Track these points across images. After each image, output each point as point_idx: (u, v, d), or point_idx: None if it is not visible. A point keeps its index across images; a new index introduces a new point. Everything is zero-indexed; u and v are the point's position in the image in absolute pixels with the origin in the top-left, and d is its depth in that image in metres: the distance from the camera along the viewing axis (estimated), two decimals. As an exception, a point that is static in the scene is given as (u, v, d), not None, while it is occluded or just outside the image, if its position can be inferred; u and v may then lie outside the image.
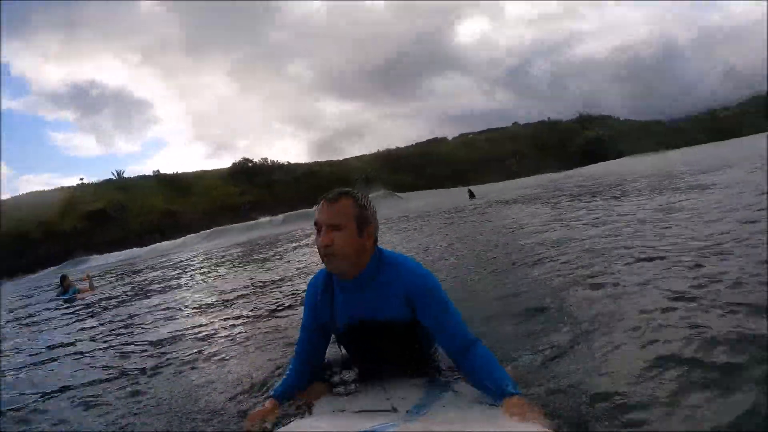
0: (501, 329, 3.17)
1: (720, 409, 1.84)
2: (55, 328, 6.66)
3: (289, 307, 5.14)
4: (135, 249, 44.75)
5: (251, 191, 75.29)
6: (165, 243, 45.14)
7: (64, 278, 11.05)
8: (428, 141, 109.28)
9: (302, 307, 2.71)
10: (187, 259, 18.87)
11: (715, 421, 1.78)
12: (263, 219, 51.85)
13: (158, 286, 10.12)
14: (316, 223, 2.14)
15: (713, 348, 2.34)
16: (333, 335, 2.43)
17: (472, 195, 21.16)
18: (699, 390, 1.98)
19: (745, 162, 14.16)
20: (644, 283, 3.53)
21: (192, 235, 47.76)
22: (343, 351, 2.51)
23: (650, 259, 4.08)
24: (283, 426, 1.92)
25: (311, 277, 2.51)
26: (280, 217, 51.10)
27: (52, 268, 42.73)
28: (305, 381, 2.40)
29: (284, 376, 2.45)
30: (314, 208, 2.21)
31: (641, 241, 4.85)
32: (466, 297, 4.08)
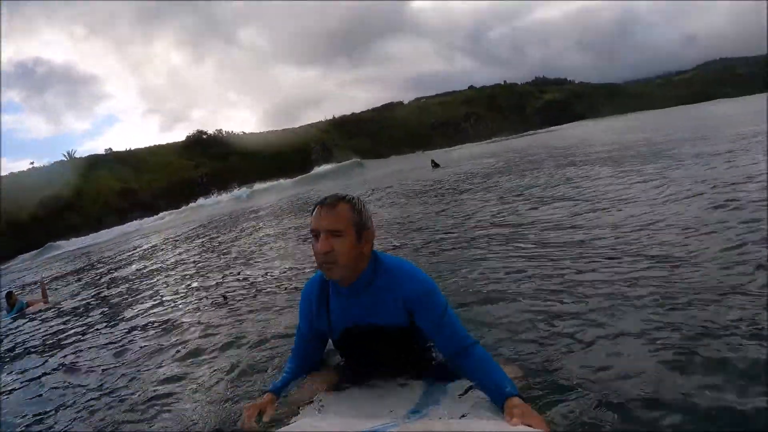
0: (495, 329, 3.07)
1: (721, 408, 1.86)
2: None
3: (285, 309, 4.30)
4: (102, 232, 41.02)
5: (207, 164, 74.48)
6: (132, 224, 42.65)
7: (9, 295, 9.75)
8: (384, 105, 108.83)
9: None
10: (148, 248, 16.56)
11: (717, 420, 1.81)
12: (225, 195, 46.04)
13: (119, 289, 8.74)
14: (312, 230, 2.09)
15: (712, 344, 2.39)
16: (332, 342, 2.41)
17: (435, 165, 21.67)
18: (699, 390, 2.00)
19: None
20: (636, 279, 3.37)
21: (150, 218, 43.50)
22: (340, 357, 2.54)
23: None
24: (284, 426, 1.90)
25: (305, 280, 2.49)
26: (245, 190, 46.29)
27: (23, 255, 41.12)
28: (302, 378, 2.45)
29: (283, 374, 2.43)
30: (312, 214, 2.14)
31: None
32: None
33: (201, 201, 46.38)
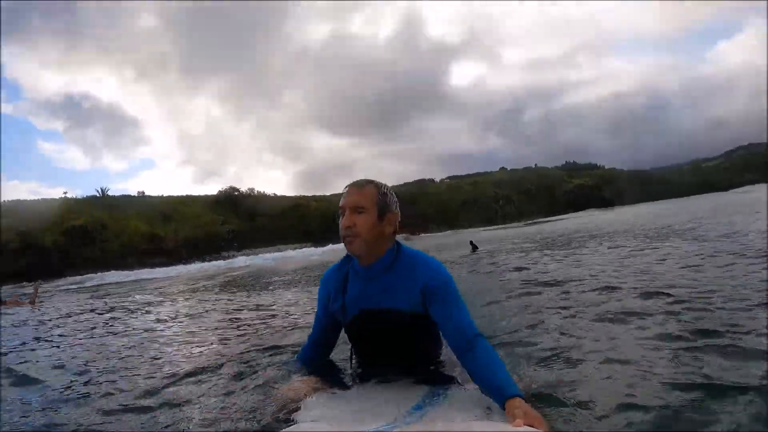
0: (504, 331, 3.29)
1: (720, 413, 1.83)
2: None
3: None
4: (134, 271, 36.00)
5: (235, 221, 74.62)
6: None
7: None
8: (416, 181, 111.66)
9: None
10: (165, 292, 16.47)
11: (715, 423, 1.78)
12: (252, 257, 38.49)
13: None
14: (340, 207, 2.23)
15: (711, 355, 2.41)
16: (343, 326, 2.48)
17: (474, 248, 21.34)
18: (700, 393, 2.00)
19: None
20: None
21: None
22: (351, 353, 2.59)
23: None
24: (284, 426, 1.93)
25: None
26: (274, 255, 38.49)
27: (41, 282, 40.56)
28: (310, 364, 2.58)
29: (297, 355, 2.72)
30: (344, 189, 2.32)
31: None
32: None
33: (227, 259, 43.89)
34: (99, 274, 36.40)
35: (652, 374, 2.24)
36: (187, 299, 11.01)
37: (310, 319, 5.73)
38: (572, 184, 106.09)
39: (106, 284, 22.56)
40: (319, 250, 41.78)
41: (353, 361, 2.59)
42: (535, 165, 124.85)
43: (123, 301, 11.97)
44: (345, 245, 2.25)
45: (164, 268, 35.46)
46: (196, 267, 31.50)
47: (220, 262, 35.63)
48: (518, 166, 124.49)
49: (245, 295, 9.79)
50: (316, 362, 2.62)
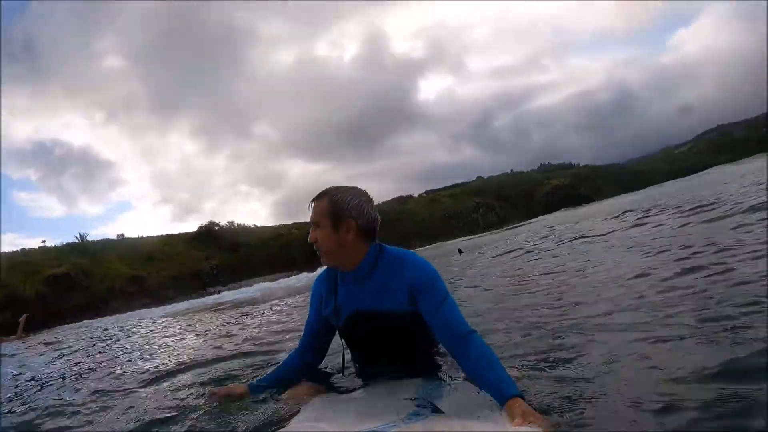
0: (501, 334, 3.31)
1: (721, 410, 1.82)
2: None
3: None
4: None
5: (217, 255, 74.23)
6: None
7: None
8: (394, 199, 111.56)
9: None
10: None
11: (715, 421, 1.77)
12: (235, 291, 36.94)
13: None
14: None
15: (710, 349, 2.38)
16: (337, 331, 2.50)
17: (460, 251, 22.16)
18: (700, 390, 1.98)
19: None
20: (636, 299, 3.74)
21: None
22: (344, 353, 2.60)
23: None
24: (283, 427, 1.94)
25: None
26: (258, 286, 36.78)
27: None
28: (295, 375, 2.51)
29: (272, 370, 2.64)
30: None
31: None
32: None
33: (213, 294, 43.18)
34: (84, 322, 35.94)
35: (652, 370, 2.24)
36: (185, 326, 11.06)
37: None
38: (550, 185, 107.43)
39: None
40: (305, 276, 41.67)
41: (352, 364, 2.64)
42: (511, 170, 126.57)
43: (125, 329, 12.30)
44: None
45: (153, 309, 35.02)
46: (184, 306, 31.16)
47: (206, 299, 35.02)
48: (495, 173, 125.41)
49: (238, 318, 10.17)
50: (303, 371, 2.57)
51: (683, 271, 4.37)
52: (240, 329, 7.71)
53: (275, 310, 10.73)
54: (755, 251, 4.42)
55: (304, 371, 2.55)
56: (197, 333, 8.56)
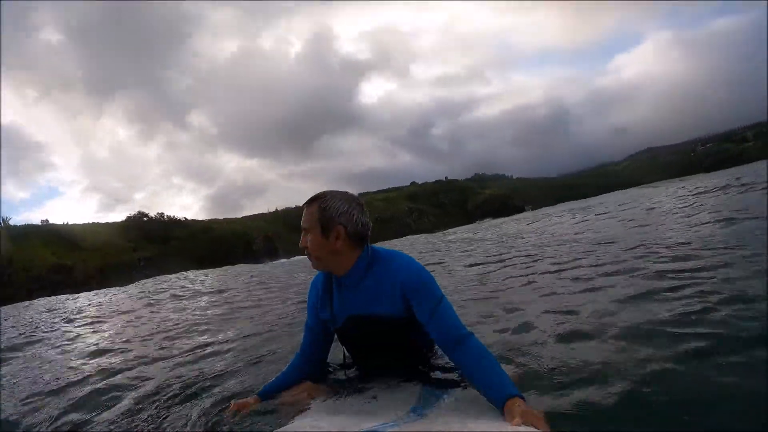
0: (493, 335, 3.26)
1: (721, 409, 1.86)
2: None
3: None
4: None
5: (146, 247, 72.74)
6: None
7: None
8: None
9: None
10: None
11: (715, 420, 1.80)
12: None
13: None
14: None
15: (709, 347, 2.43)
16: (335, 334, 2.53)
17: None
18: (700, 391, 2.00)
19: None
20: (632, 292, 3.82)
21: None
22: (344, 350, 2.61)
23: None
24: (283, 426, 1.93)
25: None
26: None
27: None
28: (300, 377, 2.48)
29: (277, 375, 2.57)
30: None
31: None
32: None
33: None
34: (7, 306, 34.20)
35: (652, 371, 2.25)
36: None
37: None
38: (484, 195, 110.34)
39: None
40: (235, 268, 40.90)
41: (347, 361, 2.62)
42: (446, 178, 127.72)
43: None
44: None
45: (81, 294, 33.91)
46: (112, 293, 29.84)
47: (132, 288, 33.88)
48: (429, 180, 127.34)
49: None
50: (309, 372, 2.54)
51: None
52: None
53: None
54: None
55: (309, 372, 2.53)
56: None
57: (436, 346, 2.53)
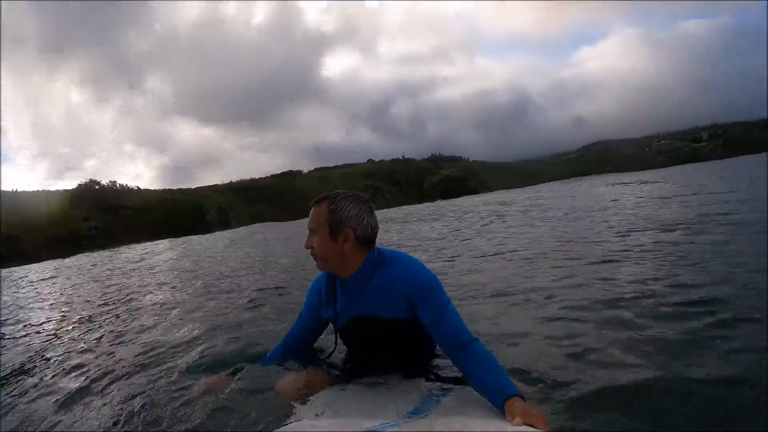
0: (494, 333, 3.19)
1: (721, 409, 1.86)
2: None
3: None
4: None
5: (98, 216, 71.79)
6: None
7: None
8: (284, 173, 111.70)
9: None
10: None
11: (715, 418, 1.81)
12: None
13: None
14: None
15: (709, 346, 2.43)
16: (335, 333, 2.48)
17: None
18: (701, 392, 2.00)
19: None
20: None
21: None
22: (345, 348, 2.58)
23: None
24: (283, 426, 1.88)
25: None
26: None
27: None
28: (280, 364, 2.55)
29: (267, 355, 2.67)
30: None
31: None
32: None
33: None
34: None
35: (652, 370, 2.24)
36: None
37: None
38: (440, 175, 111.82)
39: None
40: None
41: (353, 362, 2.57)
42: (403, 156, 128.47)
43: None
44: None
45: (30, 266, 33.19)
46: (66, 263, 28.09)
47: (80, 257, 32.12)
48: (386, 158, 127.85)
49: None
50: (285, 360, 2.56)
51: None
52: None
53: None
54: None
55: (286, 360, 2.57)
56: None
57: (437, 347, 2.48)
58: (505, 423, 1.73)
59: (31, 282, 14.84)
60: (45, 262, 31.97)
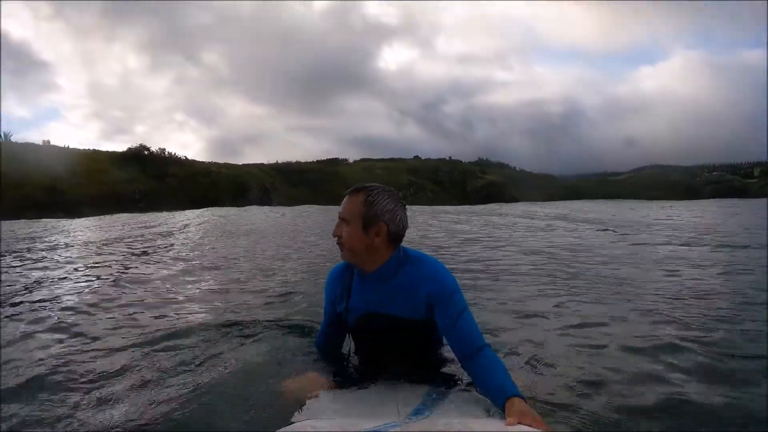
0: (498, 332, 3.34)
1: (722, 410, 1.90)
2: None
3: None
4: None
5: (143, 180, 72.65)
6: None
7: None
8: (329, 160, 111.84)
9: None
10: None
11: (716, 420, 1.83)
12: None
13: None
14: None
15: (707, 350, 2.53)
16: (346, 326, 2.50)
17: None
18: (702, 393, 2.05)
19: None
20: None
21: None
22: (352, 344, 2.62)
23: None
24: (284, 427, 1.89)
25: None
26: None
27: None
28: (326, 355, 2.66)
29: (315, 342, 2.76)
30: None
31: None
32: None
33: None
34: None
35: (651, 371, 2.32)
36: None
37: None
38: (484, 180, 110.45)
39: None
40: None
41: (357, 358, 2.61)
42: (450, 157, 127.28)
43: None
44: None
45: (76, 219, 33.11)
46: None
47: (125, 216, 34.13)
48: (432, 156, 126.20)
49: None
50: (329, 352, 2.66)
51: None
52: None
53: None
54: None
55: (331, 350, 2.66)
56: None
57: (442, 347, 2.55)
58: (506, 424, 1.71)
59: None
60: (88, 218, 32.56)
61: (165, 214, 31.20)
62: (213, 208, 36.68)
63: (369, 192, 2.22)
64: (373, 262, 2.24)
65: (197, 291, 5.64)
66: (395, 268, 2.25)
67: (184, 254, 9.14)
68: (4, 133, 69.65)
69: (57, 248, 10.91)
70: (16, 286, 5.97)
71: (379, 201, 2.20)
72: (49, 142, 74.68)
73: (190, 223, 17.68)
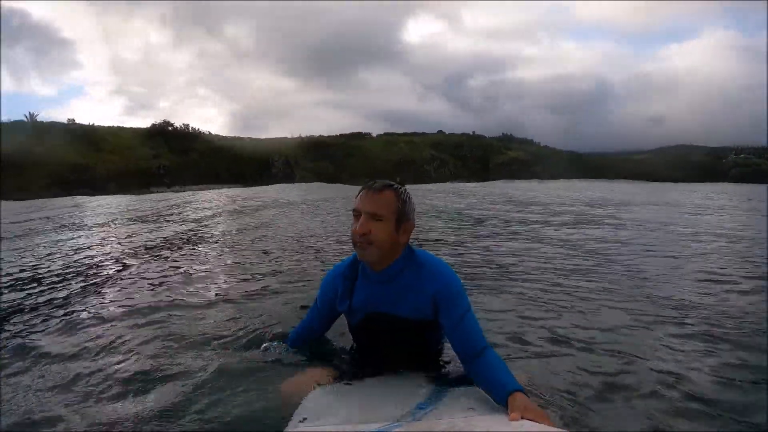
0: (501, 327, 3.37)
1: (722, 410, 1.91)
2: None
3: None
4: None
5: (167, 156, 72.92)
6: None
7: None
8: (353, 134, 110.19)
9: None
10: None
11: (717, 420, 1.85)
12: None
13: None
14: (355, 210, 2.18)
15: (708, 345, 2.55)
16: (348, 325, 2.54)
17: None
18: (703, 392, 2.06)
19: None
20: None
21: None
22: (353, 343, 2.64)
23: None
24: (285, 429, 1.88)
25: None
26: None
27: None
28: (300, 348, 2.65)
29: (288, 339, 2.72)
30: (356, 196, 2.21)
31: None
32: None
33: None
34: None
35: (651, 369, 2.34)
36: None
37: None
38: (507, 156, 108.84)
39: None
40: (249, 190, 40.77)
41: (357, 356, 2.63)
42: (473, 132, 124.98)
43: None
44: (356, 251, 2.23)
45: (104, 197, 33.95)
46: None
47: (154, 196, 34.60)
48: (456, 131, 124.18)
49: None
50: (301, 347, 2.67)
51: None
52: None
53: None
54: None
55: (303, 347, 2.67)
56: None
57: (442, 346, 2.59)
58: (509, 421, 1.72)
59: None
60: (116, 195, 33.03)
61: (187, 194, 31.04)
62: (237, 188, 36.56)
63: (399, 190, 2.20)
64: (387, 260, 2.24)
65: (210, 292, 5.52)
66: (401, 267, 2.26)
67: (202, 249, 8.72)
68: (30, 113, 69.87)
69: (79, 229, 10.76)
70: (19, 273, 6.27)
71: (408, 199, 2.24)
72: (74, 120, 75.37)
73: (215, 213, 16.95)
